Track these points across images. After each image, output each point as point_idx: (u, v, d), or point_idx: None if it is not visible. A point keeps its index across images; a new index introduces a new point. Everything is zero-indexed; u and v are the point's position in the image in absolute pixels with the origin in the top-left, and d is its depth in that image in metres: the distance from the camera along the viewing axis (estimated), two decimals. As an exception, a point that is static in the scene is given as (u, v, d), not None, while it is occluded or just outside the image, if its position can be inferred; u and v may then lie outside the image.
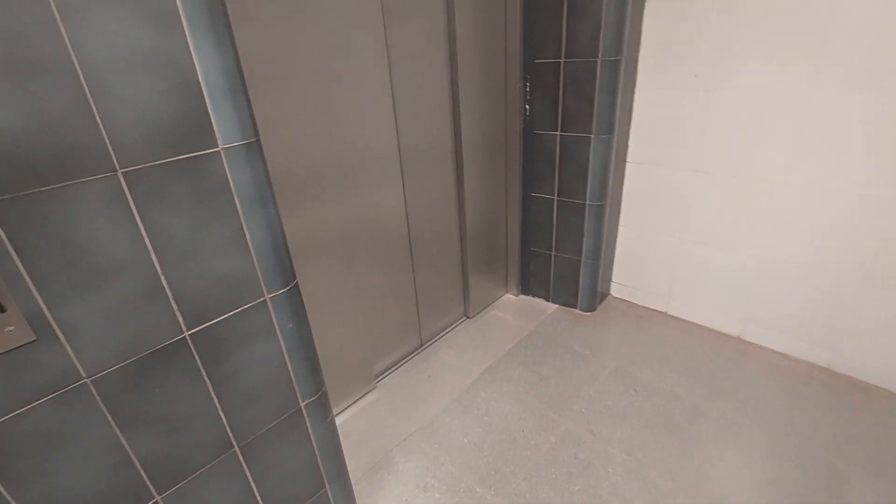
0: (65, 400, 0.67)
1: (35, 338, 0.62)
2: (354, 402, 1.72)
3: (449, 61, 1.67)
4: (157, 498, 0.82)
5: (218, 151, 0.74)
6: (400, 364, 1.91)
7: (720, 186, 1.77)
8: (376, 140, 1.53)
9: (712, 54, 1.63)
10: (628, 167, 1.98)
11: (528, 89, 1.89)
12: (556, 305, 2.23)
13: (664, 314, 2.11)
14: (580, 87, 1.76)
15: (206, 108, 0.71)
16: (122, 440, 0.74)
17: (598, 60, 1.68)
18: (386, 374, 1.86)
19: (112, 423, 0.73)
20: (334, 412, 1.66)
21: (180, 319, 0.77)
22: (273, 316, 0.89)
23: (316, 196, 1.37)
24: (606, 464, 1.43)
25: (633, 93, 1.85)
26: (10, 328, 0.60)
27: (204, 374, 0.82)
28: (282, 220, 0.88)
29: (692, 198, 1.85)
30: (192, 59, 0.68)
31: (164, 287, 0.73)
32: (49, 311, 0.63)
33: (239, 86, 0.75)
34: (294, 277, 0.92)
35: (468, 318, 2.16)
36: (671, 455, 1.45)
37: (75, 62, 0.59)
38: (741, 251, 1.80)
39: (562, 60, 1.76)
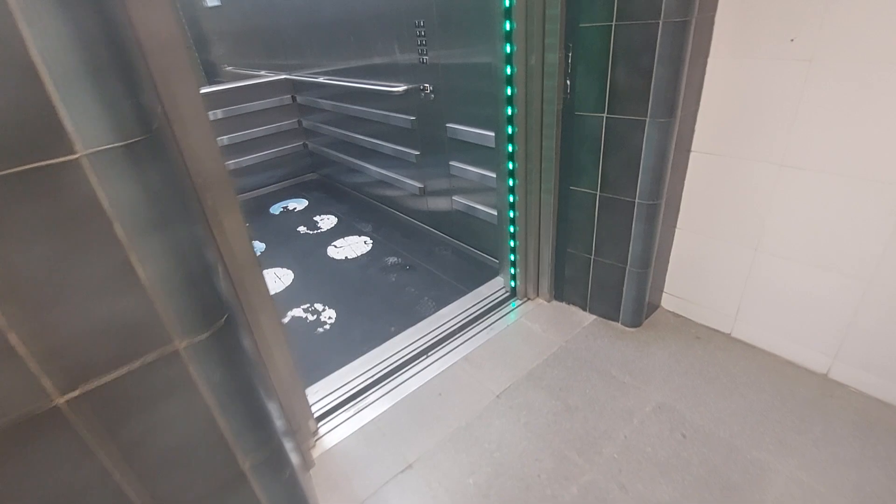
0: None
1: None
2: (349, 418, 1.54)
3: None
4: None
5: (77, 160, 0.53)
6: (408, 370, 1.71)
7: (817, 187, 1.37)
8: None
9: (819, 11, 1.22)
10: (693, 158, 1.60)
11: (569, 61, 1.55)
12: (594, 317, 1.92)
13: (727, 336, 1.76)
14: (634, 57, 1.40)
15: (47, 98, 0.49)
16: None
17: (660, 23, 1.32)
18: (391, 378, 1.67)
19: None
20: (322, 431, 1.50)
21: (47, 384, 0.58)
22: (191, 368, 0.69)
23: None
24: (639, 533, 1.16)
25: (704, 65, 1.47)
26: None
27: (95, 444, 0.64)
28: (217, 242, 0.67)
29: (776, 199, 1.46)
30: (16, 27, 0.46)
31: (12, 346, 0.54)
32: None
33: (112, 63, 0.53)
34: (223, 314, 0.71)
35: (485, 324, 1.91)
36: (724, 531, 1.15)
37: None
38: (839, 270, 1.41)
39: (613, 24, 1.40)
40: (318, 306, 2.18)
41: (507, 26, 1.56)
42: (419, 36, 2.12)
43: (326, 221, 3.07)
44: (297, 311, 2.16)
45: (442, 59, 2.07)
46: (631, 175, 1.56)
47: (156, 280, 0.62)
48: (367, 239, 2.77)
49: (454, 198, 2.40)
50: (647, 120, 1.45)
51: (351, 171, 3.29)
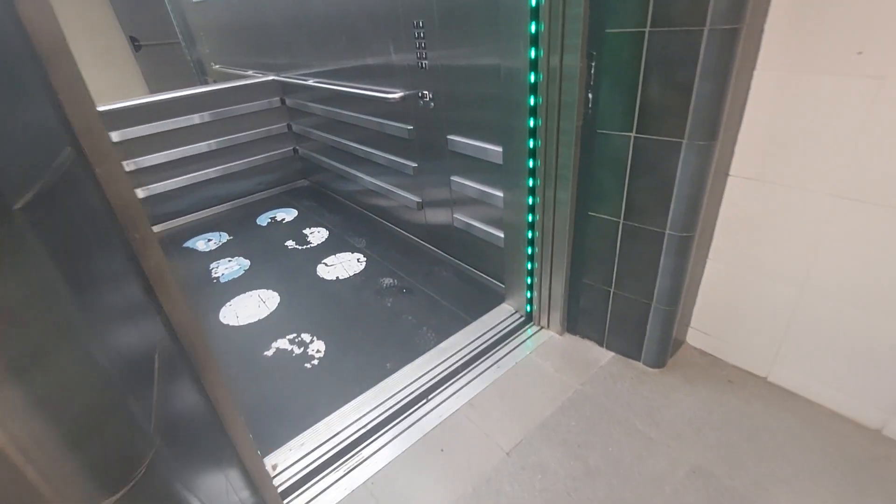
0: None
1: None
2: (338, 480, 1.35)
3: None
4: None
5: None
6: (405, 418, 1.51)
7: (881, 223, 1.18)
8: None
9: (892, 18, 1.03)
10: (731, 183, 1.41)
11: (592, 71, 1.35)
12: (612, 354, 1.73)
13: (764, 381, 1.57)
14: (672, 69, 1.21)
15: None
16: None
17: (705, 30, 1.12)
18: (387, 428, 1.47)
19: None
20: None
21: None
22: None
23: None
24: None
25: (749, 78, 1.27)
26: None
27: None
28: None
29: (830, 234, 1.27)
30: None
31: None
32: None
33: None
34: (142, 461, 0.51)
35: (495, 360, 1.72)
36: None
37: None
38: (902, 318, 1.23)
39: (646, 30, 1.20)
40: (306, 336, 1.97)
41: (533, 28, 1.35)
42: (418, 38, 1.91)
43: (317, 235, 2.86)
44: (283, 343, 1.95)
45: (443, 64, 1.86)
46: (661, 203, 1.37)
47: (24, 437, 0.41)
48: (361, 256, 2.57)
49: (455, 215, 2.20)
50: (684, 142, 1.25)
51: (343, 180, 3.08)
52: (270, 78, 3.21)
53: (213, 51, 4.44)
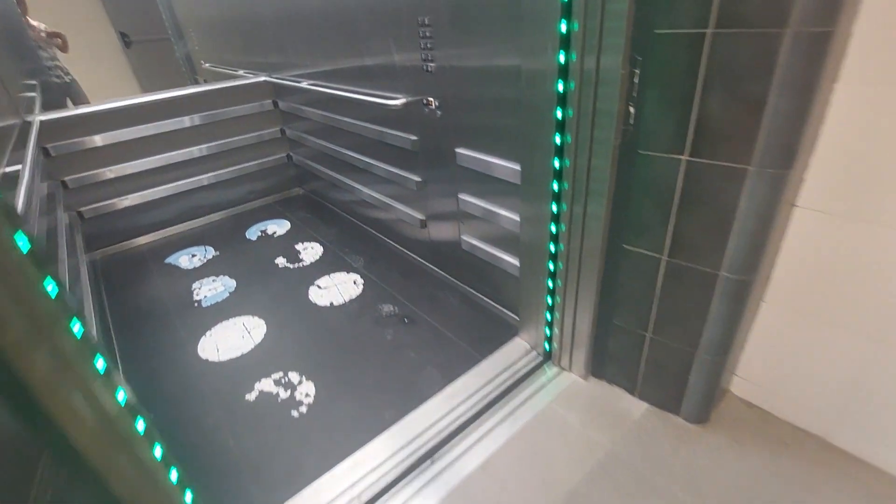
0: None
1: None
2: (330, 575, 1.12)
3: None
4: None
5: None
6: (406, 486, 1.28)
7: None
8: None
9: None
10: (797, 215, 1.18)
11: (636, 79, 1.12)
12: (646, 405, 1.51)
13: (823, 443, 1.35)
14: (739, 80, 0.98)
15: None
16: None
17: (787, 32, 0.89)
18: (386, 498, 1.25)
19: None
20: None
21: None
22: None
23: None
24: None
25: (828, 93, 1.04)
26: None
27: None
28: None
29: (926, 283, 1.05)
30: None
31: None
32: None
33: None
34: None
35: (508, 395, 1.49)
36: None
37: None
38: None
39: (708, 31, 0.98)
40: (294, 376, 1.74)
41: (564, 27, 1.12)
42: (423, 37, 1.68)
43: (310, 251, 2.63)
44: (267, 384, 1.72)
45: (452, 66, 1.63)
46: (716, 240, 1.14)
47: None
48: (358, 277, 2.34)
49: (463, 237, 1.97)
50: (751, 169, 1.03)
51: (340, 189, 2.84)
52: (262, 79, 2.98)
53: (203, 48, 4.20)
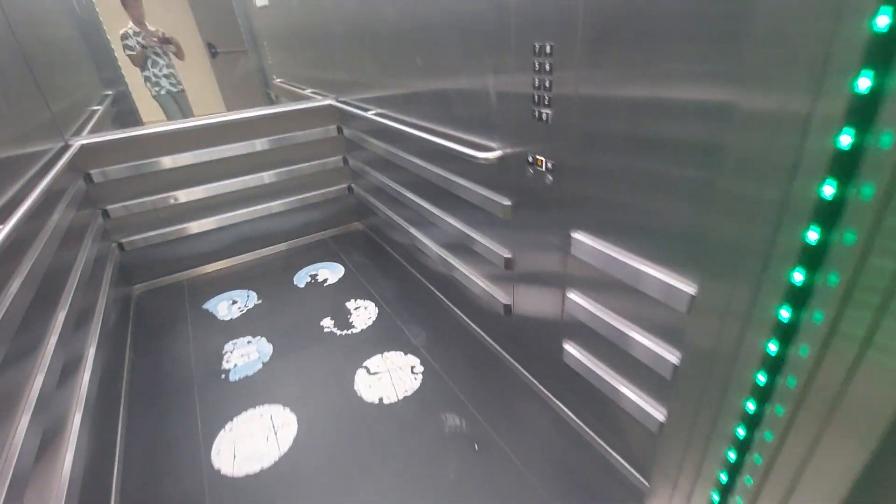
0: None
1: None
2: None
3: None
4: None
5: None
6: None
7: None
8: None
9: None
10: None
11: None
12: None
13: None
14: None
15: None
16: None
17: None
18: None
19: None
20: None
21: None
22: None
23: None
24: None
25: None
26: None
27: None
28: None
29: None
30: None
31: None
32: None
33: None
34: None
35: None
36: None
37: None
38: None
39: None
40: (321, 527, 1.28)
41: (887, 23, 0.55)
42: (538, 71, 1.16)
43: (363, 314, 2.19)
44: (284, 535, 1.26)
45: (581, 118, 1.09)
46: None
47: None
48: (417, 363, 1.85)
49: (567, 347, 1.41)
50: None
51: (403, 232, 2.38)
52: (327, 103, 2.60)
53: (275, 62, 3.98)
